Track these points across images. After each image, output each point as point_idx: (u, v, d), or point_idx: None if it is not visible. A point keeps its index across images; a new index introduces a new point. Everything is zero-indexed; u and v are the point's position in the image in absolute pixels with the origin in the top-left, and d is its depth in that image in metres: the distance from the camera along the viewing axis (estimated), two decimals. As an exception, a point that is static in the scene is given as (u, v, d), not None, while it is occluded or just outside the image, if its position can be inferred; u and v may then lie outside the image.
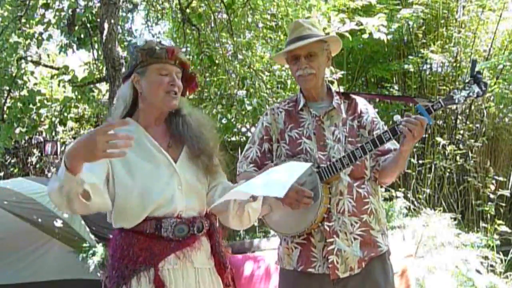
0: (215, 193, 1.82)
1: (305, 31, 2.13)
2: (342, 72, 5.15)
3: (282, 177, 1.55)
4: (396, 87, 6.19)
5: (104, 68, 5.36)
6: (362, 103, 2.21)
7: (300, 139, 2.13)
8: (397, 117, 1.98)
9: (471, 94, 1.91)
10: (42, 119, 6.55)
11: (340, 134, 2.11)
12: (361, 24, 4.99)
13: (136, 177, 1.71)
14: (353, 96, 2.25)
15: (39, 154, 8.10)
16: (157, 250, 1.69)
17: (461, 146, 6.06)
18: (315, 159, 2.08)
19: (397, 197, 4.90)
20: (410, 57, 6.37)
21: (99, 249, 4.14)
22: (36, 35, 5.98)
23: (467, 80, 1.93)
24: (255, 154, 2.22)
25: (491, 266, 4.51)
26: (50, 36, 6.09)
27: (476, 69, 1.93)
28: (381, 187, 2.30)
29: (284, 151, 2.15)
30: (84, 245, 4.26)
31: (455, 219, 4.97)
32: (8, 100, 5.91)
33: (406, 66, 6.38)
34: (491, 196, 5.78)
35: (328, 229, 2.03)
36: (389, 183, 2.22)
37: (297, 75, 2.15)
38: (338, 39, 2.23)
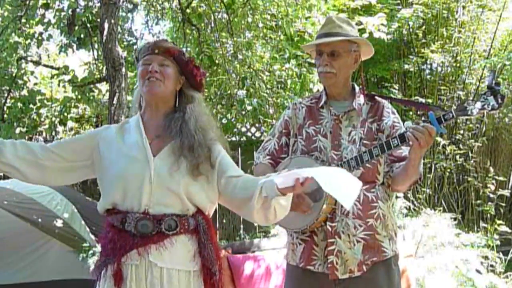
0: (236, 184, 1.74)
1: (335, 28, 2.10)
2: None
3: (344, 186, 1.52)
4: (396, 87, 6.19)
5: (104, 68, 5.37)
6: (386, 108, 2.16)
7: (316, 136, 2.13)
8: (407, 124, 1.93)
9: (485, 106, 1.81)
10: (42, 119, 6.54)
11: (356, 135, 2.09)
12: (361, 24, 5.00)
13: (113, 163, 1.76)
14: (379, 99, 2.20)
15: (39, 154, 8.08)
16: (120, 244, 1.68)
17: (461, 146, 6.06)
18: (327, 158, 2.07)
19: (397, 197, 4.90)
20: (410, 57, 6.37)
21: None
22: (36, 35, 5.98)
23: (483, 91, 1.84)
24: (273, 146, 2.23)
25: (491, 266, 4.51)
26: (50, 36, 6.09)
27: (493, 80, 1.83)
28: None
29: (300, 147, 2.15)
30: (84, 245, 4.26)
31: (455, 219, 4.98)
32: (8, 100, 5.91)
33: (406, 66, 6.38)
34: (491, 196, 5.78)
35: (330, 229, 2.03)
36: (402, 191, 2.17)
37: (318, 70, 2.15)
38: (368, 42, 2.17)
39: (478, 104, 1.83)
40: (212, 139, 1.82)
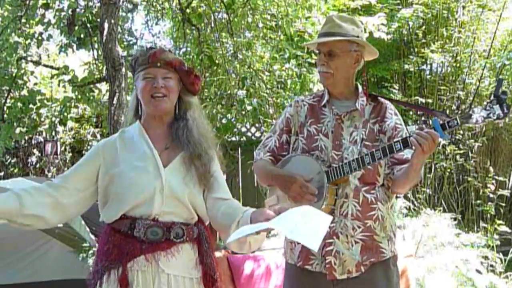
0: (219, 208, 1.78)
1: (334, 28, 2.09)
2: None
3: (310, 227, 1.51)
4: (396, 87, 6.19)
5: (104, 68, 5.36)
6: (389, 109, 2.15)
7: (317, 136, 2.11)
8: (411, 128, 1.93)
9: (491, 115, 1.80)
10: (42, 119, 6.54)
11: (357, 136, 2.08)
12: (361, 24, 4.99)
13: (122, 174, 1.75)
14: (382, 99, 2.19)
15: (39, 154, 8.10)
16: (126, 250, 1.69)
17: (461, 146, 6.06)
18: (328, 158, 2.07)
19: (397, 197, 4.89)
20: (410, 57, 6.37)
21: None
22: (36, 35, 5.98)
23: (489, 100, 1.83)
24: (274, 143, 2.22)
25: (491, 266, 4.51)
26: (50, 36, 6.09)
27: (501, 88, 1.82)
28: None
29: (300, 145, 2.14)
30: (84, 245, 4.26)
31: (455, 219, 4.98)
32: (8, 100, 5.91)
33: (406, 66, 6.38)
34: (491, 196, 5.78)
35: (329, 229, 2.03)
36: (402, 193, 2.15)
37: (317, 70, 2.15)
38: (367, 43, 2.15)
39: (483, 113, 1.82)
40: (212, 149, 1.87)
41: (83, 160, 1.86)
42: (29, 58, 6.52)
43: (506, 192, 5.76)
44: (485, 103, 1.86)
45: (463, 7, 6.52)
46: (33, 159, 8.09)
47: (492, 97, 1.83)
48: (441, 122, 1.85)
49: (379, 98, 2.20)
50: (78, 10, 5.85)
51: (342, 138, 2.08)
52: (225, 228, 1.72)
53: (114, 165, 1.78)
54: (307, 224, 1.52)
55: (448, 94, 6.30)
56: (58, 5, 5.95)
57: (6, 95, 5.97)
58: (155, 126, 1.86)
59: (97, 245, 1.88)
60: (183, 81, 1.87)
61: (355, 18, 2.26)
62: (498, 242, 4.91)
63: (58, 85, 6.25)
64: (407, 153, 2.00)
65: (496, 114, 1.80)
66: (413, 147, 1.85)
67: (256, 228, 1.55)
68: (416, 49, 6.47)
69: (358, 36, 2.10)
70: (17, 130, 5.63)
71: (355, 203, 2.03)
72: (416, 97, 6.20)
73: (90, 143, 7.78)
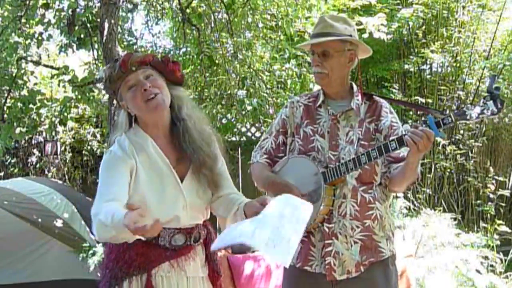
0: (219, 206, 1.84)
1: (326, 28, 2.09)
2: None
3: (288, 236, 1.46)
4: (396, 87, 6.19)
5: (104, 68, 5.34)
6: (384, 107, 2.15)
7: (314, 136, 2.12)
8: (405, 127, 1.93)
9: (485, 111, 1.80)
10: (42, 119, 6.53)
11: (354, 135, 2.08)
12: (361, 24, 4.99)
13: (145, 196, 1.72)
14: (377, 98, 2.19)
15: (39, 154, 8.09)
16: (152, 257, 1.71)
17: (461, 146, 6.06)
18: (325, 158, 2.07)
19: (397, 197, 4.89)
20: (410, 57, 6.37)
21: (99, 249, 4.14)
22: (36, 35, 5.97)
23: (483, 96, 1.84)
24: (270, 145, 2.23)
25: (491, 266, 4.51)
26: (50, 36, 6.08)
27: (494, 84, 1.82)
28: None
29: (297, 146, 2.14)
30: (84, 245, 4.26)
31: (455, 219, 4.98)
32: (8, 100, 5.91)
33: (406, 66, 6.38)
34: (491, 196, 5.79)
35: (327, 230, 2.03)
36: (400, 192, 2.16)
37: (312, 70, 2.16)
38: (360, 42, 2.15)
39: (477, 109, 1.82)
40: (212, 145, 1.87)
41: (117, 171, 1.71)
42: (29, 58, 6.51)
43: (506, 192, 5.76)
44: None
45: (463, 7, 6.51)
46: (33, 159, 8.07)
47: (486, 93, 1.83)
48: (436, 120, 1.86)
49: (374, 96, 2.20)
50: (78, 10, 5.84)
51: (338, 138, 2.09)
52: (223, 219, 1.81)
53: (136, 184, 1.72)
54: (282, 237, 1.44)
55: (448, 94, 6.30)
56: (58, 5, 5.94)
57: (6, 95, 5.96)
58: (158, 133, 1.81)
59: (102, 247, 1.87)
60: (164, 74, 1.81)
61: (347, 17, 2.27)
62: (498, 242, 4.91)
63: (58, 85, 6.24)
64: (403, 151, 2.00)
65: (490, 110, 1.80)
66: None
67: (234, 241, 1.49)
68: (416, 49, 6.47)
69: (351, 35, 2.10)
70: (17, 130, 5.61)
71: (353, 203, 2.03)
72: (416, 97, 6.19)
73: (90, 143, 7.77)
